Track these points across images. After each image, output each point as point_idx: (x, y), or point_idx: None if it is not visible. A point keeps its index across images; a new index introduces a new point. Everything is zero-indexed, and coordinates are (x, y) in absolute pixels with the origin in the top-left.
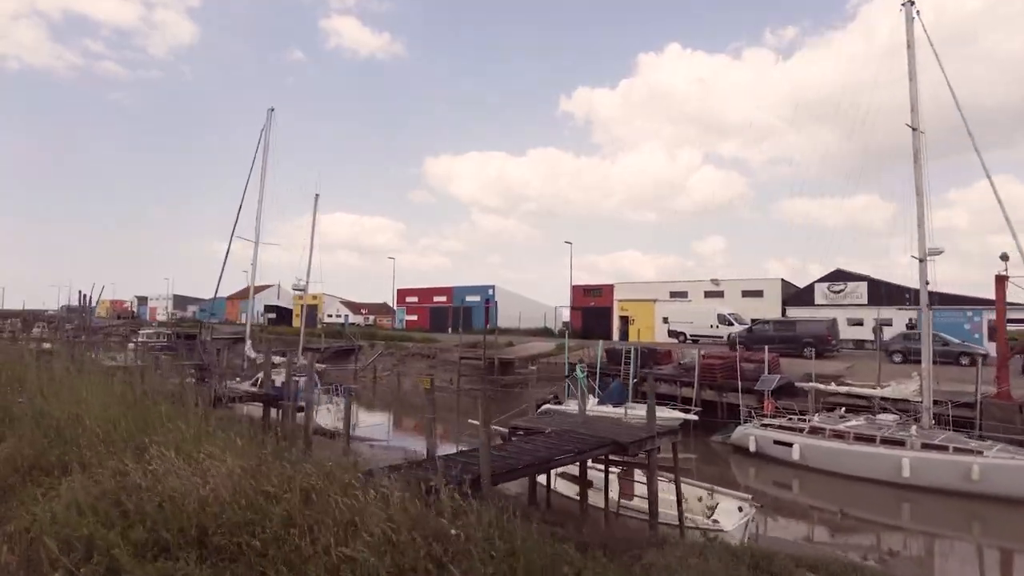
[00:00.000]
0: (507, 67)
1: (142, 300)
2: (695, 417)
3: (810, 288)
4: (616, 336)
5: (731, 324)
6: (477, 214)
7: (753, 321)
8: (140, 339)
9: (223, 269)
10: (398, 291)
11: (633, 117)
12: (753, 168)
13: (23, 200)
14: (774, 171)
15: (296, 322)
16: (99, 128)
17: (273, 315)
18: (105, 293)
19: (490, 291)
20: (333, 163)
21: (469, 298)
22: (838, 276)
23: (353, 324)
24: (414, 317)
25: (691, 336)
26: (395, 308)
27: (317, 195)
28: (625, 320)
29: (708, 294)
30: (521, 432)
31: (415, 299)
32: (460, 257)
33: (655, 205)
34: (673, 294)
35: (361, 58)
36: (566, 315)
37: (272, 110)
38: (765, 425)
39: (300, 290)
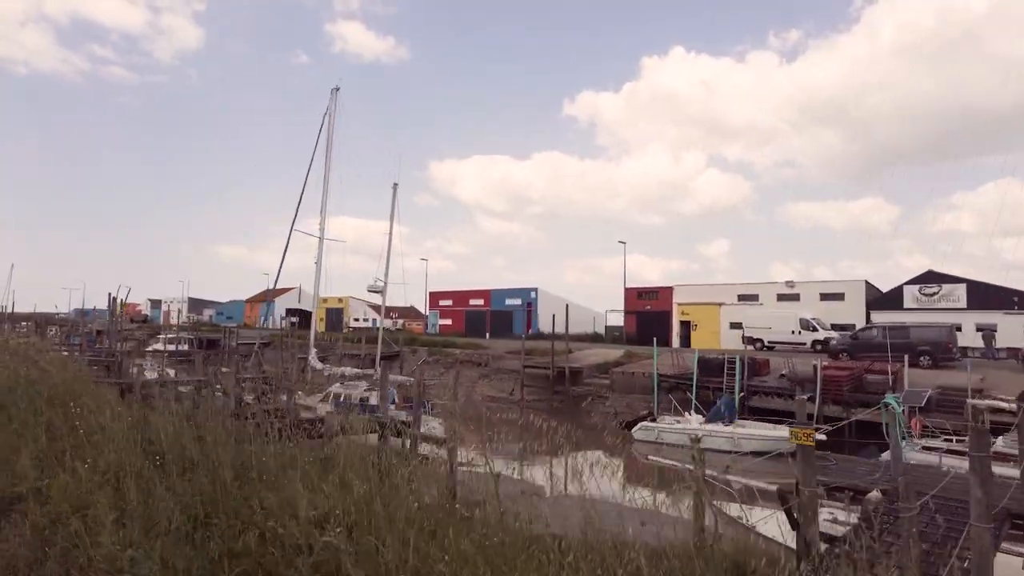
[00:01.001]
0: (511, 71)
1: (155, 303)
2: (823, 437)
3: (898, 291)
4: (676, 342)
5: (815, 329)
6: (481, 217)
7: (834, 326)
8: (161, 345)
9: (281, 266)
10: (430, 294)
11: (637, 120)
12: (757, 171)
13: (30, 202)
14: (778, 174)
15: (320, 326)
16: (105, 132)
17: (295, 319)
18: (131, 294)
19: (532, 294)
20: (338, 165)
21: (509, 301)
22: (931, 278)
23: (384, 328)
24: (448, 321)
25: (769, 343)
26: (427, 312)
27: (396, 184)
28: (687, 325)
29: (781, 297)
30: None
31: (449, 302)
32: (464, 260)
33: (660, 208)
34: (742, 297)
35: (366, 62)
36: (612, 319)
37: (337, 89)
38: (928, 448)
39: (377, 291)
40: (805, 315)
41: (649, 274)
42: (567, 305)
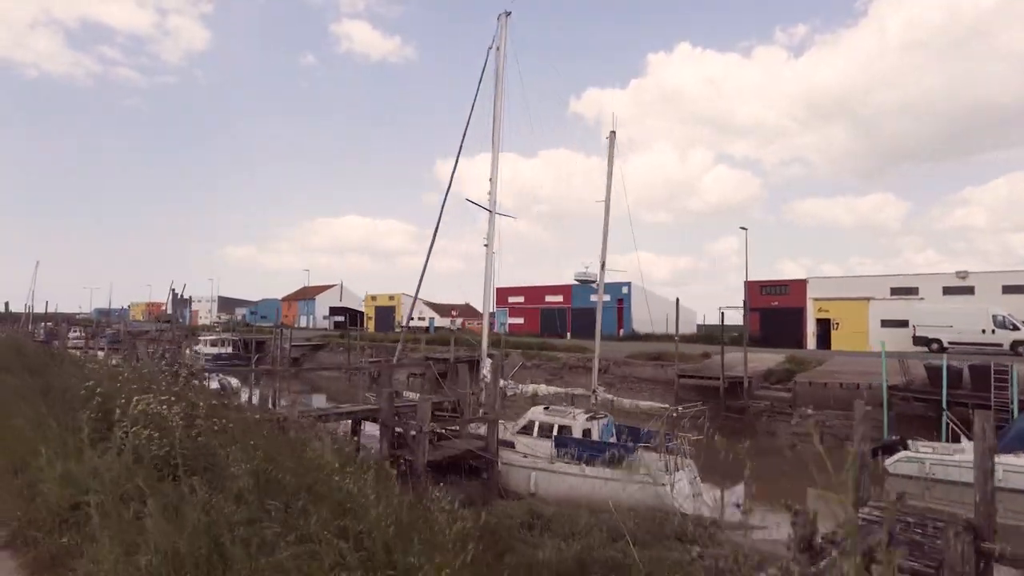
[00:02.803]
0: (516, 68)
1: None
2: None
3: None
4: (812, 343)
5: (1014, 328)
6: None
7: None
8: (202, 347)
9: (431, 247)
10: (498, 290)
11: (644, 117)
12: (766, 168)
13: (39, 203)
14: (786, 171)
15: (369, 326)
16: (110, 133)
17: (340, 318)
18: (139, 295)
19: (624, 288)
20: (345, 165)
21: (595, 298)
22: None
23: (441, 328)
24: (519, 320)
25: (948, 343)
26: (494, 309)
27: (613, 132)
28: (825, 323)
29: (949, 290)
30: None
31: (520, 299)
32: (473, 259)
33: (669, 206)
34: (895, 291)
35: (372, 62)
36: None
37: (508, 14)
38: None
39: (588, 281)
40: (997, 311)
41: (658, 272)
42: (745, 304)
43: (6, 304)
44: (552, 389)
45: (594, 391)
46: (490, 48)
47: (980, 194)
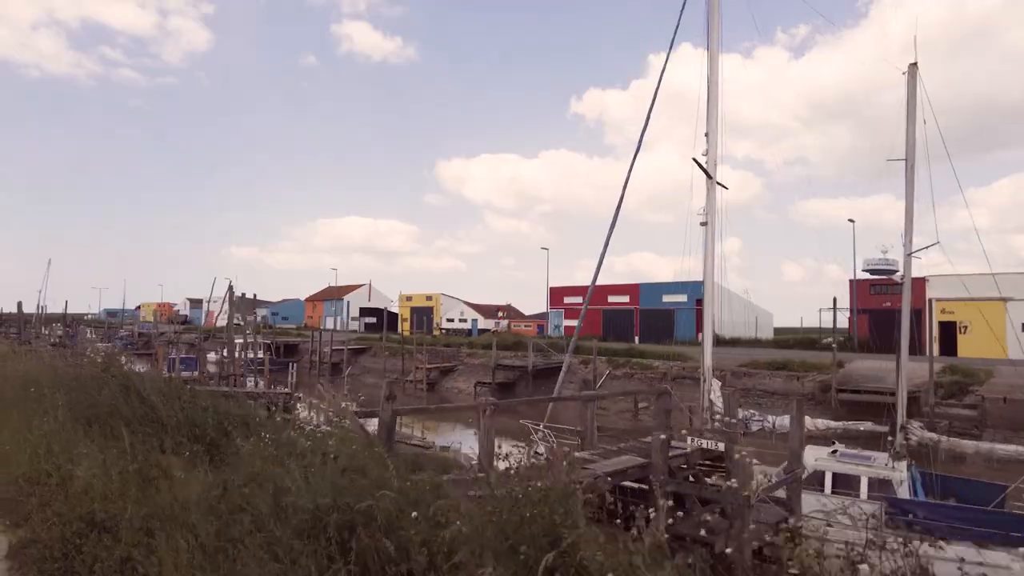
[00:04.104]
0: (517, 69)
1: (195, 303)
2: None
3: None
4: (934, 349)
5: None
6: (491, 216)
7: None
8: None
9: (614, 222)
10: (552, 290)
11: (645, 117)
12: (768, 168)
13: (40, 203)
14: (789, 171)
15: (404, 328)
16: (115, 133)
17: (372, 319)
18: (148, 295)
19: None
20: (346, 165)
21: (667, 298)
22: None
23: (485, 330)
24: (576, 322)
25: None
26: (548, 310)
27: (914, 64)
28: (950, 327)
29: None
30: None
31: (577, 299)
32: (475, 259)
33: (672, 206)
34: None
35: (373, 62)
36: (826, 319)
37: None
38: None
39: (885, 271)
40: None
41: (661, 274)
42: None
43: (19, 304)
44: (822, 423)
45: (903, 427)
46: None
47: (983, 195)
